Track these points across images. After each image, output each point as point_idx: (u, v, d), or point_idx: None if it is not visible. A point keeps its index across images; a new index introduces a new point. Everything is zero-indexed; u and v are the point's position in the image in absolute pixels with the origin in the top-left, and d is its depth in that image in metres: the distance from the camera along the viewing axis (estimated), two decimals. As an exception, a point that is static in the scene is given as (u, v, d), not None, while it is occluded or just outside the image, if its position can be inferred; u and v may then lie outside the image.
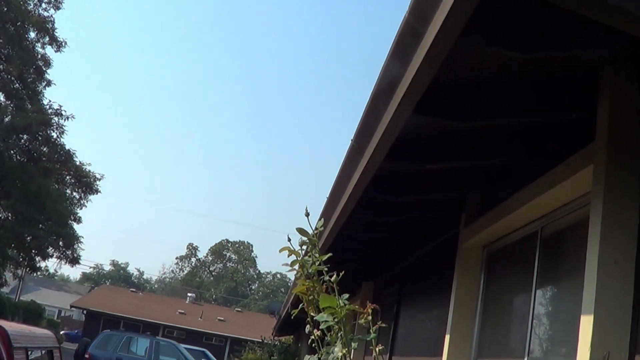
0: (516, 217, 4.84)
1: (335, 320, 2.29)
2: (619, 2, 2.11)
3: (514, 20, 2.77)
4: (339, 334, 2.31)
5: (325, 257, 2.39)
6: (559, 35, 2.84)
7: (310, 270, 2.38)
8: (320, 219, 2.60)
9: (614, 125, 3.43)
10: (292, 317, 3.02)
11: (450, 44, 2.62)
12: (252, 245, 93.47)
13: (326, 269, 2.35)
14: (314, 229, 2.45)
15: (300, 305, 2.45)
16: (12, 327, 6.27)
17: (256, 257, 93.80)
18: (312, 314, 2.40)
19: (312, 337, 2.42)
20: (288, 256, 2.44)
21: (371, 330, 2.35)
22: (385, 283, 10.95)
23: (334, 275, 2.34)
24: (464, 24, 2.47)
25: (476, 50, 2.93)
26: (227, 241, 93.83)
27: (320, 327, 2.31)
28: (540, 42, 2.87)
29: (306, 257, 2.40)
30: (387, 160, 4.01)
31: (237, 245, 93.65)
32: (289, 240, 2.42)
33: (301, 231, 2.44)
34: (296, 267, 2.42)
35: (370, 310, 2.36)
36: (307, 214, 2.53)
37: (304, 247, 2.41)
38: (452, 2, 2.33)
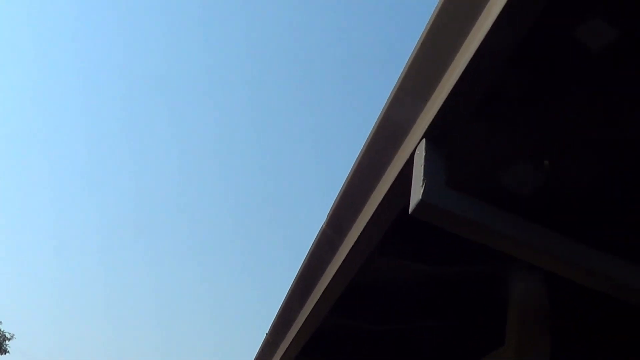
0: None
1: None
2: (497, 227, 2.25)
3: (423, 239, 2.92)
4: None
5: None
6: (467, 253, 2.99)
7: None
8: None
9: (522, 330, 3.53)
10: None
11: (364, 256, 2.72)
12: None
13: None
14: None
15: None
16: None
17: None
18: None
19: None
20: None
21: None
22: None
23: None
24: (377, 240, 2.59)
25: (388, 261, 3.04)
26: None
27: None
28: (449, 258, 3.01)
29: None
30: (301, 356, 3.98)
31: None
32: None
33: None
34: None
35: None
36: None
37: None
38: (367, 222, 2.46)
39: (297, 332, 3.61)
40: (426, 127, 2.08)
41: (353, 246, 2.66)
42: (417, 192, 2.01)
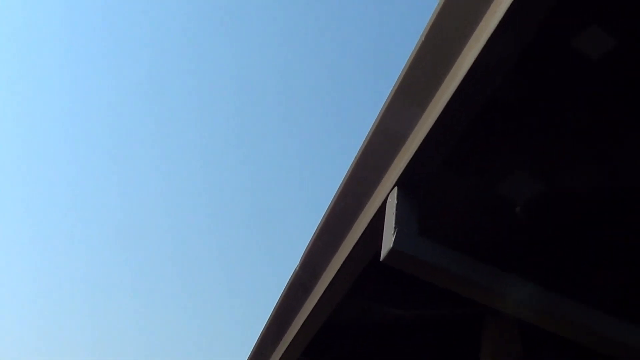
0: None
1: None
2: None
3: (395, 283, 2.91)
4: None
5: None
6: (440, 297, 2.99)
7: None
8: None
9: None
10: None
11: (337, 299, 2.70)
12: None
13: None
14: None
15: None
16: None
17: None
18: None
19: None
20: None
21: None
22: None
23: None
24: (350, 284, 2.58)
25: (360, 304, 3.03)
26: None
27: None
28: (422, 301, 3.00)
29: None
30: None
31: None
32: None
33: None
34: None
35: None
36: None
37: None
38: (339, 267, 2.45)
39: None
40: (398, 175, 2.08)
41: (326, 289, 2.64)
42: (388, 241, 2.01)
